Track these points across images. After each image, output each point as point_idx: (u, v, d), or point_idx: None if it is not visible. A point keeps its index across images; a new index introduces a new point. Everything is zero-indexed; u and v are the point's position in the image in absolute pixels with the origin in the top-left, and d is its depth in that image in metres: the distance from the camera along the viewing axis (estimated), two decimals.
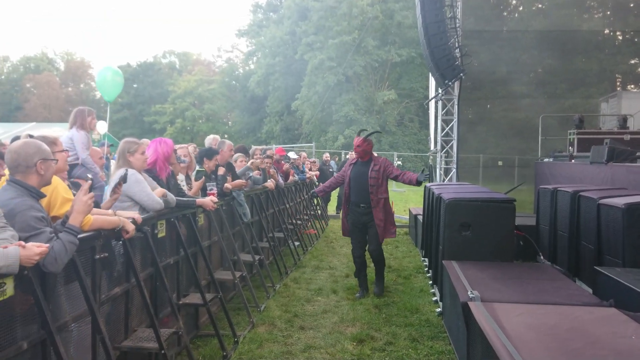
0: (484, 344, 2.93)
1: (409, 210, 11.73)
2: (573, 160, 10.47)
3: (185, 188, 5.23)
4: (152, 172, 4.53)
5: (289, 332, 5.12)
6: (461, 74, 11.56)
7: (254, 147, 8.85)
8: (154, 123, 50.80)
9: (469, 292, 3.65)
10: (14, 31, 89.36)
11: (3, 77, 56.98)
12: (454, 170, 12.80)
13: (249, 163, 7.21)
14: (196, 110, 50.49)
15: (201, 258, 5.04)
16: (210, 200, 5.05)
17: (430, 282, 6.79)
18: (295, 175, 10.69)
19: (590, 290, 4.57)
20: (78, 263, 2.91)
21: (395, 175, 6.42)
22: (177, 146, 5.33)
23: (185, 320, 4.69)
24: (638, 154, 8.11)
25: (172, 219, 4.48)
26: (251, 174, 7.12)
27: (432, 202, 6.73)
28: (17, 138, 3.97)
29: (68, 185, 3.58)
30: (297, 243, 9.02)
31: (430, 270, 6.95)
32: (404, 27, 36.91)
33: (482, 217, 5.20)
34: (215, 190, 5.29)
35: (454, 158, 12.85)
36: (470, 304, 3.42)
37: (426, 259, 7.69)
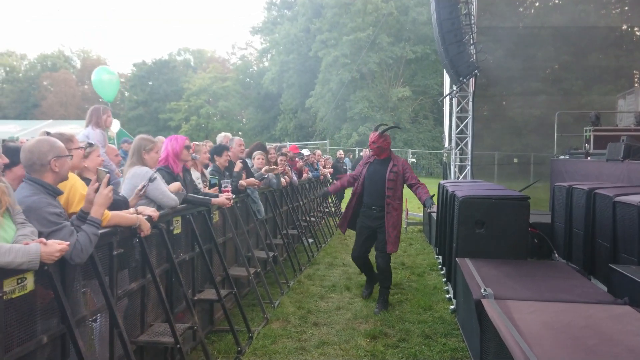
0: (497, 341, 2.94)
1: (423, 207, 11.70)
2: (589, 158, 10.38)
3: (200, 186, 5.29)
4: (167, 168, 4.60)
5: (302, 328, 5.15)
6: (476, 71, 11.53)
7: (268, 145, 8.87)
8: (169, 120, 51.26)
9: (482, 290, 3.65)
10: (31, 30, 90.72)
11: (21, 74, 57.76)
12: (469, 167, 12.76)
13: (264, 170, 6.95)
14: (210, 107, 50.79)
15: (216, 254, 5.09)
16: (225, 199, 5.08)
17: (444, 279, 6.79)
18: (309, 173, 10.73)
19: (605, 288, 4.54)
20: (96, 258, 2.97)
21: (411, 184, 5.82)
22: (193, 143, 5.38)
23: (200, 316, 4.75)
24: None
25: (187, 216, 4.54)
26: (266, 176, 7.12)
27: (446, 200, 6.72)
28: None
29: None
30: (310, 240, 9.07)
31: (444, 268, 6.94)
32: (419, 24, 36.77)
33: (497, 214, 5.17)
34: (229, 187, 5.34)
35: (469, 155, 12.82)
36: (484, 301, 3.42)
37: (440, 257, 7.69)
